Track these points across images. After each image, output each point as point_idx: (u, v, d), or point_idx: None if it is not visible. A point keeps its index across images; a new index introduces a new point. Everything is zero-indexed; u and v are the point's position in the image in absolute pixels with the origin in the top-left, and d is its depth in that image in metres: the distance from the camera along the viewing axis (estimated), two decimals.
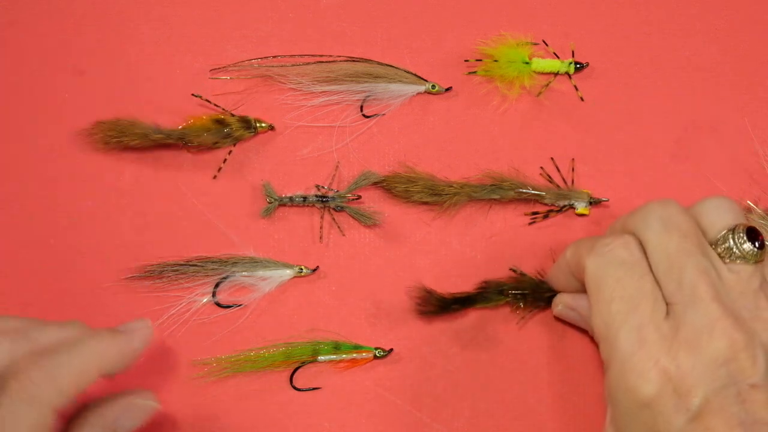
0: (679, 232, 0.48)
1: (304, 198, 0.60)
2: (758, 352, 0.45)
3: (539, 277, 0.60)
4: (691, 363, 0.45)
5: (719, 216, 0.50)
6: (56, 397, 0.45)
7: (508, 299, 0.59)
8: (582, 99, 0.62)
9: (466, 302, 0.59)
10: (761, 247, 0.48)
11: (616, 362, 0.47)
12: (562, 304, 0.57)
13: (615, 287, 0.48)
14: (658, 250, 0.49)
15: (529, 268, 0.60)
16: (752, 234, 0.48)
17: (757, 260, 0.48)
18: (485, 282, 0.60)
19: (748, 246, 0.48)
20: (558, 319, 0.59)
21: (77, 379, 0.46)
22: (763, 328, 0.46)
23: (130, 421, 0.50)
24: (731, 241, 0.48)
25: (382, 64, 0.61)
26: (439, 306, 0.58)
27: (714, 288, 0.47)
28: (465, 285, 0.60)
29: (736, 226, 0.49)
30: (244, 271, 0.59)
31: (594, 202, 0.61)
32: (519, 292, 0.59)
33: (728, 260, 0.48)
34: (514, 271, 0.60)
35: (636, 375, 0.46)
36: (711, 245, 0.49)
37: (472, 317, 0.60)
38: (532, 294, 0.59)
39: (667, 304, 0.47)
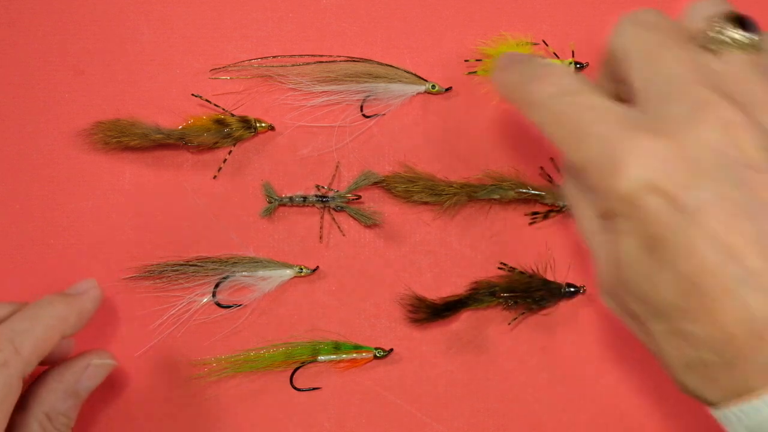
0: (655, 29, 0.43)
1: (304, 198, 0.60)
2: (757, 133, 0.39)
3: (530, 271, 0.60)
4: (678, 152, 0.39)
5: (704, 10, 0.44)
6: (23, 365, 0.46)
7: (500, 300, 0.59)
8: None
9: (458, 306, 0.59)
10: (755, 33, 0.43)
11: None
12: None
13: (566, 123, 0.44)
14: (632, 50, 0.43)
15: (528, 268, 0.60)
16: (744, 22, 0.43)
17: (752, 50, 0.43)
18: (476, 283, 0.60)
19: (739, 35, 0.43)
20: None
21: (42, 345, 0.48)
22: (763, 111, 0.40)
23: (90, 382, 0.52)
24: (720, 31, 0.43)
25: (382, 64, 0.61)
26: (430, 313, 0.59)
27: (699, 73, 0.41)
28: (465, 285, 0.60)
29: (725, 14, 0.43)
30: (244, 271, 0.59)
31: None
32: (510, 294, 0.59)
33: (719, 52, 0.43)
34: (504, 266, 0.60)
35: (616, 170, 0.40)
36: (698, 44, 0.44)
37: (471, 318, 0.60)
38: (524, 294, 0.59)
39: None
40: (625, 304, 0.44)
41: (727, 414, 0.40)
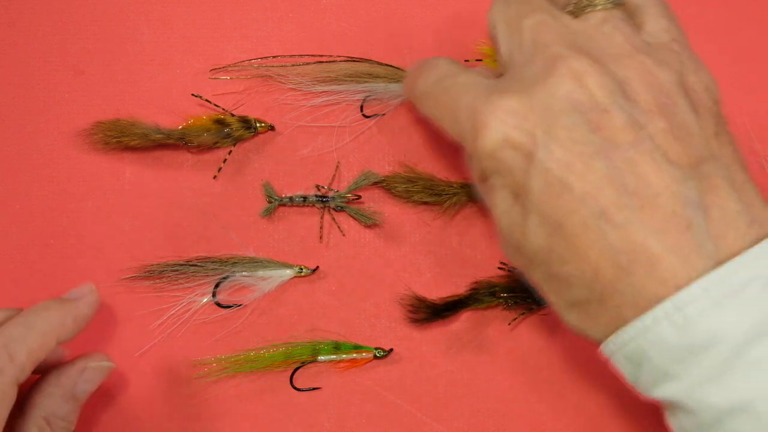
0: (519, 2, 0.45)
1: (304, 198, 0.60)
2: (606, 79, 0.41)
3: None
4: (530, 105, 0.42)
5: None
6: (17, 372, 0.46)
7: (500, 300, 0.59)
8: None
9: (458, 306, 0.59)
10: None
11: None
12: None
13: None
14: (498, 23, 0.46)
15: None
16: None
17: (609, 6, 0.45)
18: (476, 283, 0.60)
19: None
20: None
21: (37, 351, 0.48)
22: (616, 63, 0.42)
23: (88, 385, 0.52)
24: None
25: (382, 64, 0.61)
26: (430, 313, 0.59)
27: (556, 34, 0.43)
28: (465, 285, 0.60)
29: None
30: (244, 271, 0.59)
31: None
32: (510, 294, 0.59)
33: (579, 14, 0.45)
34: (504, 266, 0.60)
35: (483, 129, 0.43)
36: (563, 11, 0.46)
37: (471, 318, 0.60)
38: (524, 294, 0.59)
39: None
40: (512, 258, 0.47)
41: (609, 346, 0.42)
